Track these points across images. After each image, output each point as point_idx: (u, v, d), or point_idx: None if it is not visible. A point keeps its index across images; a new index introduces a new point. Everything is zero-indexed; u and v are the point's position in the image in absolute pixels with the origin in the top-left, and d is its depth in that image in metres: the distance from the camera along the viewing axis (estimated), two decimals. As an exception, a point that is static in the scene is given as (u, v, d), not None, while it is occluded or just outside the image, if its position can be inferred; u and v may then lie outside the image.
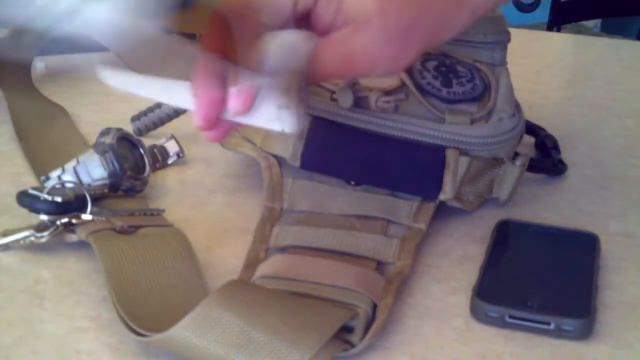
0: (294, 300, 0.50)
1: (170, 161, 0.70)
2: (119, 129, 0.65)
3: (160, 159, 0.69)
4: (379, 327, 0.49)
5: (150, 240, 0.56)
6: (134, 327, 0.48)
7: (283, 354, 0.45)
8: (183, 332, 0.46)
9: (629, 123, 0.81)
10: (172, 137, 0.71)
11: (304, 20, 0.49)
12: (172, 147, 0.70)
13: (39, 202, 0.57)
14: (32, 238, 0.57)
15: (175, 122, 0.75)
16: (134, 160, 0.65)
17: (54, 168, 0.64)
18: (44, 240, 0.57)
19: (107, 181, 0.62)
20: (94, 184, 0.62)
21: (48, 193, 0.58)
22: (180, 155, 0.71)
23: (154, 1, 0.46)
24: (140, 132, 0.75)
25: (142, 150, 0.66)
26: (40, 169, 0.67)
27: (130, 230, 0.57)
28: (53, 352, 0.49)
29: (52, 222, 0.57)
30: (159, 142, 0.70)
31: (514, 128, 0.62)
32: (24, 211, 0.58)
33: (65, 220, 0.57)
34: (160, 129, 0.75)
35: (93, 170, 0.62)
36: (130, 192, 0.63)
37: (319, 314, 0.48)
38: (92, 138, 0.66)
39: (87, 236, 0.56)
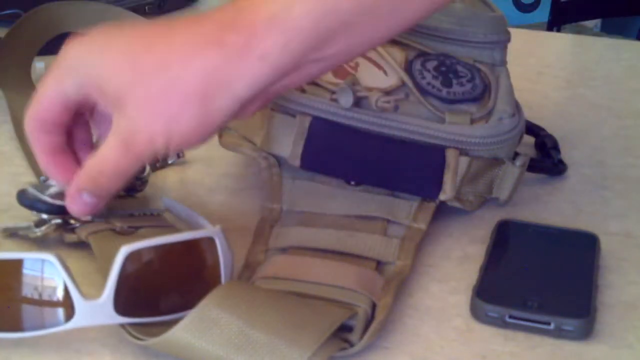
0: (292, 299, 0.50)
1: (170, 161, 0.70)
2: (118, 129, 0.65)
3: (160, 159, 0.69)
4: (378, 326, 0.49)
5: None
6: (132, 331, 0.48)
7: (282, 353, 0.45)
8: (182, 333, 0.46)
9: (629, 123, 0.81)
10: (172, 137, 0.71)
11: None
12: (172, 147, 0.70)
13: (39, 201, 0.57)
14: (28, 231, 0.57)
15: (175, 122, 0.74)
16: (134, 160, 0.65)
17: (53, 168, 0.64)
18: (39, 234, 0.57)
19: (107, 181, 0.62)
20: (94, 184, 0.62)
21: (48, 193, 0.58)
22: (180, 155, 0.71)
23: None
24: (140, 132, 0.75)
25: (142, 150, 0.66)
26: (40, 169, 0.67)
27: (130, 230, 0.57)
28: (53, 352, 0.49)
29: (51, 221, 0.57)
30: (159, 142, 0.70)
31: (514, 128, 0.62)
32: (24, 211, 0.58)
33: (62, 220, 0.57)
34: (160, 129, 0.75)
35: (93, 170, 0.62)
36: (130, 192, 0.63)
37: (318, 312, 0.48)
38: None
39: (87, 236, 0.56)
